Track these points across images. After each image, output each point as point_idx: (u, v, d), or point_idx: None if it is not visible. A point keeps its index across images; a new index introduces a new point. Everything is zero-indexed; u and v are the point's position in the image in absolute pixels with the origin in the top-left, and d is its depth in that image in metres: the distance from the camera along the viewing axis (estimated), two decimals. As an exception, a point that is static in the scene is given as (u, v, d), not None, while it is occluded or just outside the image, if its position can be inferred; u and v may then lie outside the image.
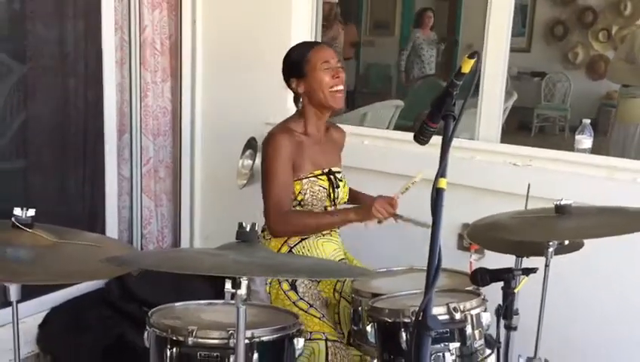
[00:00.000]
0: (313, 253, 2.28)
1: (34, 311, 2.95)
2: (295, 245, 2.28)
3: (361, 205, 2.30)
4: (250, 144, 3.33)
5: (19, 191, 3.02)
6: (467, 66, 1.32)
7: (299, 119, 2.35)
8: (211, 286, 3.07)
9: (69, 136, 3.19)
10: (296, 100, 2.37)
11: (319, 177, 2.31)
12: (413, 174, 2.86)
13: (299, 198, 2.27)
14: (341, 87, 2.28)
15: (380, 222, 2.18)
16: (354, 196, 2.48)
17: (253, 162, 3.25)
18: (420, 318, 1.11)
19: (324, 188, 2.30)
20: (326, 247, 2.31)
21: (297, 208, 2.29)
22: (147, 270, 3.15)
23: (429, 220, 1.20)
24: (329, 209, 2.34)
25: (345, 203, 2.42)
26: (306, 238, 2.29)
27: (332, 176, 2.35)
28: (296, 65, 2.30)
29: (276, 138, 2.26)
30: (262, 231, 2.32)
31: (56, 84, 3.08)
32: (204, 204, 3.74)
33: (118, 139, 3.35)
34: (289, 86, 2.35)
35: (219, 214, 3.64)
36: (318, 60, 2.26)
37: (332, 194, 2.33)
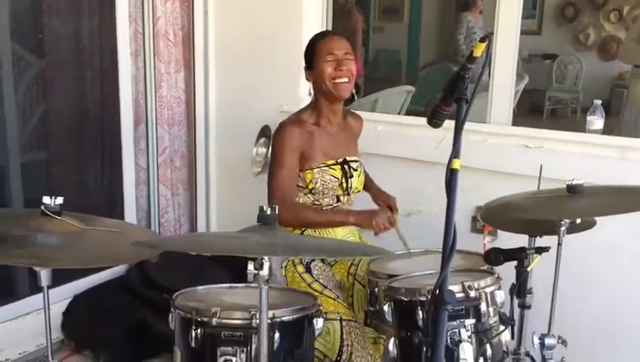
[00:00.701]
0: (325, 236, 2.32)
1: (58, 299, 3.03)
2: (303, 232, 2.31)
3: (364, 211, 2.33)
4: (264, 132, 3.38)
5: (39, 183, 3.09)
6: (479, 50, 1.36)
7: (311, 109, 2.38)
8: (229, 272, 3.15)
9: (87, 128, 3.25)
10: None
11: (331, 167, 2.32)
12: (425, 159, 2.94)
13: (310, 187, 2.30)
14: (345, 79, 2.28)
15: (375, 234, 2.25)
16: (368, 186, 2.52)
17: (268, 150, 3.29)
18: (437, 293, 1.16)
19: (335, 177, 2.32)
20: (338, 230, 2.34)
21: (309, 196, 2.33)
22: (166, 258, 3.27)
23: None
24: (341, 198, 2.36)
25: (359, 192, 2.45)
26: None
27: (346, 166, 2.36)
28: (307, 56, 2.35)
29: (285, 129, 2.29)
30: None
31: (73, 77, 3.14)
32: (220, 192, 3.80)
33: (134, 130, 3.41)
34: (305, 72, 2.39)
35: (234, 202, 3.69)
36: (323, 52, 2.29)
37: (344, 184, 2.34)
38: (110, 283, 3.29)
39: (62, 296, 3.04)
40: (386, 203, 2.40)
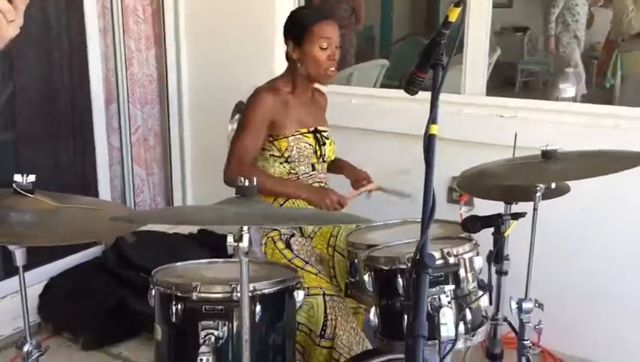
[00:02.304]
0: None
1: (33, 282, 2.99)
2: (284, 202, 2.33)
3: (317, 189, 2.34)
4: (239, 108, 3.33)
5: (9, 164, 3.03)
6: (454, 15, 1.35)
7: (287, 78, 2.39)
8: (207, 250, 3.14)
9: (58, 108, 3.19)
10: (287, 60, 2.39)
11: (305, 135, 2.35)
12: (400, 131, 2.94)
13: (286, 155, 2.31)
14: (333, 69, 2.30)
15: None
16: (340, 166, 2.54)
17: (243, 126, 3.26)
18: (418, 257, 1.17)
19: (309, 144, 2.35)
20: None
21: (285, 165, 2.33)
22: (143, 238, 3.24)
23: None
24: (316, 166, 2.38)
25: (331, 160, 2.48)
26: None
27: (318, 135, 2.40)
28: (297, 29, 2.30)
29: (260, 95, 2.30)
30: None
31: (41, 55, 3.05)
32: (195, 171, 3.77)
33: (105, 109, 3.35)
34: (285, 42, 2.36)
35: (210, 180, 3.62)
36: (319, 36, 2.26)
37: (318, 151, 2.38)
38: (86, 264, 3.26)
39: (37, 279, 3.00)
40: (361, 177, 2.43)
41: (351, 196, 2.35)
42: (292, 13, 2.41)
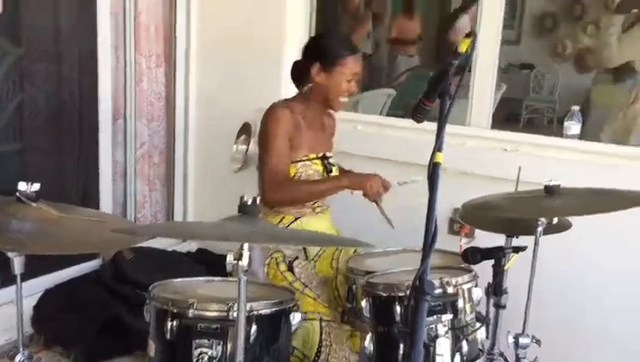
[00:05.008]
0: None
1: (28, 293, 2.97)
2: (290, 224, 2.33)
3: (356, 175, 2.36)
4: (245, 129, 3.36)
5: (14, 172, 3.03)
6: (464, 46, 1.37)
7: (301, 101, 2.40)
8: (205, 268, 3.12)
9: (65, 120, 3.19)
10: (298, 79, 2.41)
11: (314, 161, 2.37)
12: (404, 160, 2.95)
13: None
14: (346, 100, 2.37)
15: (365, 195, 2.25)
16: (343, 173, 2.54)
17: (248, 147, 3.28)
18: (417, 284, 1.16)
19: (317, 171, 2.36)
20: (319, 225, 2.37)
21: None
22: (141, 254, 3.24)
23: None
24: None
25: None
26: (299, 217, 2.35)
27: (326, 161, 2.42)
28: (329, 55, 2.31)
29: (278, 110, 2.32)
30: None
31: (51, 67, 3.08)
32: (197, 189, 3.77)
33: (112, 124, 3.37)
34: (305, 64, 2.35)
35: (212, 199, 3.67)
36: (350, 69, 2.31)
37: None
38: (83, 277, 3.24)
39: (33, 290, 2.98)
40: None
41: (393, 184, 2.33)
42: (326, 36, 2.45)
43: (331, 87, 2.32)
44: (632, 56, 4.26)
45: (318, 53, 2.33)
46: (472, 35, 1.35)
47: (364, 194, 2.27)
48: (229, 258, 1.44)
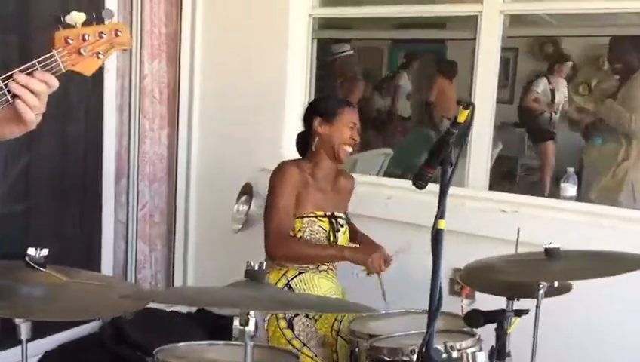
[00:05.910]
0: (310, 288, 2.36)
1: (29, 356, 2.93)
2: (293, 278, 2.36)
3: (360, 248, 2.39)
4: (246, 190, 3.41)
5: (18, 235, 3.05)
6: (462, 116, 1.43)
7: (310, 161, 2.50)
8: (205, 331, 3.10)
9: (69, 181, 3.24)
10: (303, 150, 2.51)
11: (320, 218, 2.41)
12: (402, 220, 2.98)
13: (298, 235, 2.37)
14: (351, 149, 2.49)
15: (368, 273, 2.31)
16: (354, 235, 2.58)
17: (249, 207, 3.31)
18: (424, 351, 1.18)
19: (323, 228, 2.40)
20: (322, 284, 2.39)
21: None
22: (141, 315, 3.21)
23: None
24: None
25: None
26: (303, 272, 2.37)
27: (334, 220, 2.46)
28: (329, 110, 2.49)
29: (286, 167, 2.41)
30: None
31: (57, 126, 3.14)
32: (198, 249, 3.78)
33: (115, 184, 3.41)
34: (308, 123, 2.50)
35: (212, 259, 3.67)
36: (349, 119, 2.48)
37: (332, 237, 2.42)
38: (83, 339, 3.21)
39: (32, 352, 2.94)
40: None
41: (394, 256, 2.39)
42: (323, 97, 2.70)
43: (335, 136, 2.45)
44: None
45: (318, 110, 2.51)
46: (470, 106, 1.41)
47: (367, 273, 2.33)
48: (236, 323, 1.46)
